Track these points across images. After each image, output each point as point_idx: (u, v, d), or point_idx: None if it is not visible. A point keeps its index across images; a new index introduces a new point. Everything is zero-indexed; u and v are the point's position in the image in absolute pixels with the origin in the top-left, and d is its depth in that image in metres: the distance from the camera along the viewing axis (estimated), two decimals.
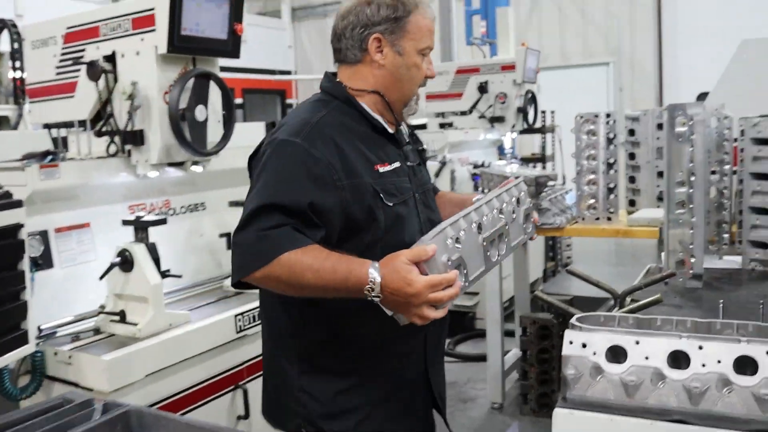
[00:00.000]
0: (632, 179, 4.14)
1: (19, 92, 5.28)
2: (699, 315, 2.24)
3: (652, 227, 3.65)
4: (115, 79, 2.99)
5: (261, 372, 2.18)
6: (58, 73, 3.26)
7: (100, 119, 3.03)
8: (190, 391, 2.89)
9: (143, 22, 2.92)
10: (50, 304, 2.84)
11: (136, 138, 2.96)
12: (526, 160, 7.25)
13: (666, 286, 2.57)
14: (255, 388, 3.04)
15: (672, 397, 1.52)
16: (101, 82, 2.95)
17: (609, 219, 3.94)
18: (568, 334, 1.65)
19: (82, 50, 3.14)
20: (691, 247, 2.59)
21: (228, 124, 3.19)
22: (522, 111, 6.58)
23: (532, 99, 6.74)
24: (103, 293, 2.91)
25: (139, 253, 2.80)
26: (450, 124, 6.73)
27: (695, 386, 1.49)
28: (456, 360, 5.50)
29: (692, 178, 2.57)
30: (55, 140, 3.17)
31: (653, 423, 1.52)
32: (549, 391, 4.36)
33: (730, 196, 3.05)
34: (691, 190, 2.57)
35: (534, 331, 4.23)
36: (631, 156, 4.11)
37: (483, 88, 6.60)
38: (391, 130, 2.02)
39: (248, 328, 3.14)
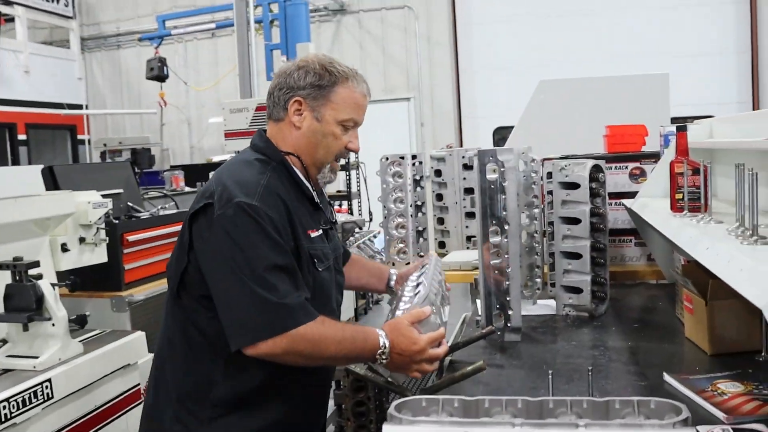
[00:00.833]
0: (441, 221, 4.02)
1: None
2: (523, 376, 2.10)
3: (465, 271, 3.53)
4: None
5: None
6: None
7: None
8: None
9: None
10: None
11: None
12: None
13: (484, 340, 2.40)
14: None
15: None
16: None
17: None
18: (387, 429, 1.40)
19: None
20: (508, 299, 2.44)
21: None
22: None
23: None
24: None
25: None
26: None
27: None
28: None
29: (506, 227, 2.43)
30: None
31: None
32: None
33: (540, 239, 2.98)
34: (505, 240, 2.44)
35: (348, 384, 3.94)
36: (439, 197, 4.00)
37: None
38: (317, 199, 2.08)
39: (16, 416, 2.64)
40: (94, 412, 3.10)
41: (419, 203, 3.77)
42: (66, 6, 11.70)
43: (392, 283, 2.46)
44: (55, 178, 4.00)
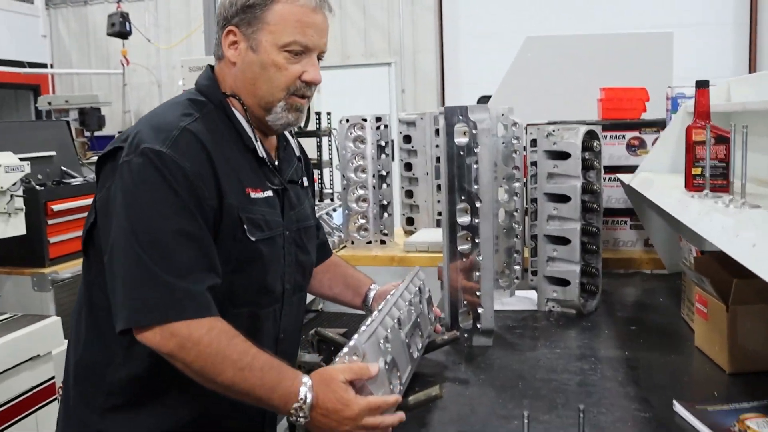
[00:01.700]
0: (409, 194, 3.53)
1: None
2: (493, 398, 1.64)
3: (433, 252, 3.04)
4: None
5: None
6: None
7: None
8: None
9: None
10: None
11: None
12: None
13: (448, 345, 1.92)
14: None
15: None
16: None
17: (383, 243, 3.30)
18: None
19: None
20: (478, 294, 1.96)
21: None
22: None
23: None
24: None
25: None
26: None
27: None
28: None
29: (478, 204, 1.94)
30: None
31: None
32: None
33: (521, 219, 2.50)
34: (477, 221, 1.95)
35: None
36: (408, 166, 3.50)
37: None
38: (261, 152, 1.64)
39: None
40: None
41: (383, 173, 3.29)
42: None
43: (370, 300, 1.95)
44: None
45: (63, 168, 4.16)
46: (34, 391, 2.84)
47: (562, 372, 1.78)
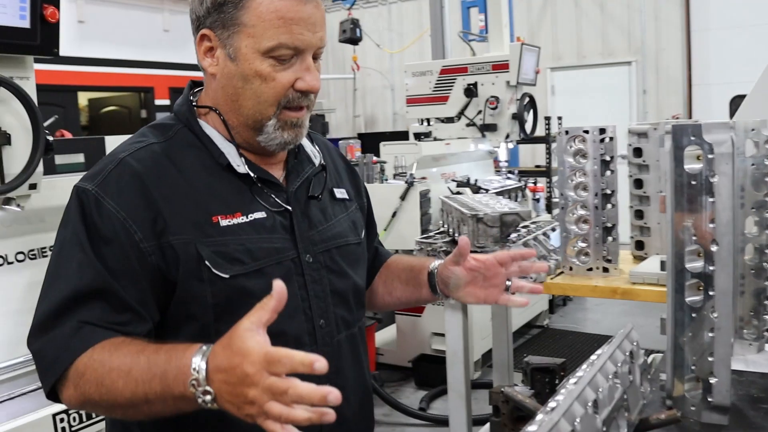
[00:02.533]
0: (639, 214, 3.10)
1: None
2: None
3: (662, 286, 2.61)
4: None
5: None
6: None
7: None
8: None
9: None
10: None
11: None
12: (526, 174, 6.23)
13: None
14: None
15: None
16: None
17: (605, 270, 2.91)
18: None
19: None
20: (710, 360, 1.57)
21: (35, 148, 2.25)
22: (518, 118, 5.55)
23: (530, 104, 5.70)
24: None
25: None
26: (427, 134, 5.73)
27: None
28: (426, 423, 4.49)
29: (714, 248, 1.55)
30: None
31: None
32: None
33: None
34: (711, 268, 1.56)
35: (507, 411, 3.20)
36: (638, 183, 3.08)
37: (471, 91, 5.58)
38: (241, 168, 1.37)
39: (78, 429, 2.28)
40: None
41: (608, 191, 2.90)
42: None
43: (437, 285, 1.62)
44: None
45: None
46: None
47: None
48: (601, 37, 9.84)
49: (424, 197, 4.59)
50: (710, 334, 1.56)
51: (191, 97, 1.45)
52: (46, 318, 1.24)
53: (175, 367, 1.10)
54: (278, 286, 1.05)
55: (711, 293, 1.55)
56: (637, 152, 3.07)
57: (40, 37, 2.21)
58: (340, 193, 1.58)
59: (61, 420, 2.25)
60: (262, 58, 1.32)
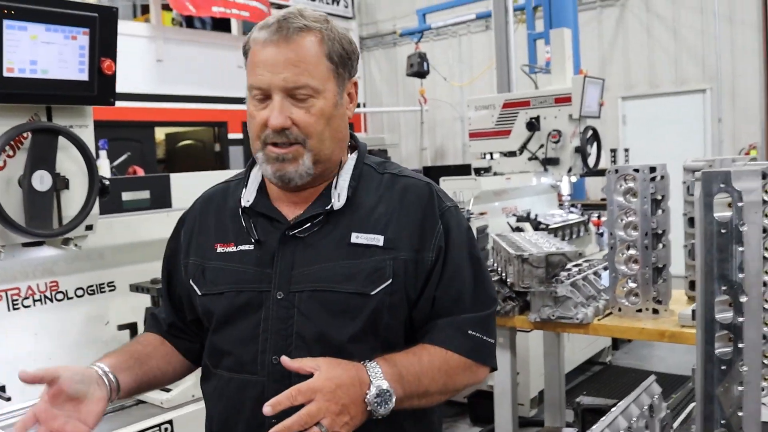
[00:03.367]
0: (694, 253, 3.02)
1: None
2: None
3: None
4: None
5: None
6: None
7: None
8: None
9: None
10: None
11: None
12: (590, 207, 6.12)
13: None
14: None
15: None
16: None
17: (655, 312, 2.84)
18: None
19: None
20: (740, 415, 1.52)
21: (90, 192, 2.36)
22: (580, 151, 5.48)
23: (593, 137, 5.62)
24: None
25: None
26: (487, 169, 5.71)
27: None
28: None
29: (743, 299, 1.50)
30: None
31: None
32: None
33: None
34: (740, 320, 1.51)
35: None
36: (692, 222, 2.99)
37: (533, 125, 5.54)
38: (247, 201, 1.55)
39: None
40: None
41: (659, 231, 2.83)
42: (346, 7, 11.94)
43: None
44: None
45: None
46: None
47: None
48: (674, 64, 9.62)
49: (482, 233, 4.55)
50: (740, 388, 1.51)
51: None
52: None
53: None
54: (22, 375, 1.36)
55: (740, 346, 1.50)
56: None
57: (97, 88, 2.33)
58: (365, 238, 1.48)
59: None
60: (250, 100, 1.48)
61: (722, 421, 1.56)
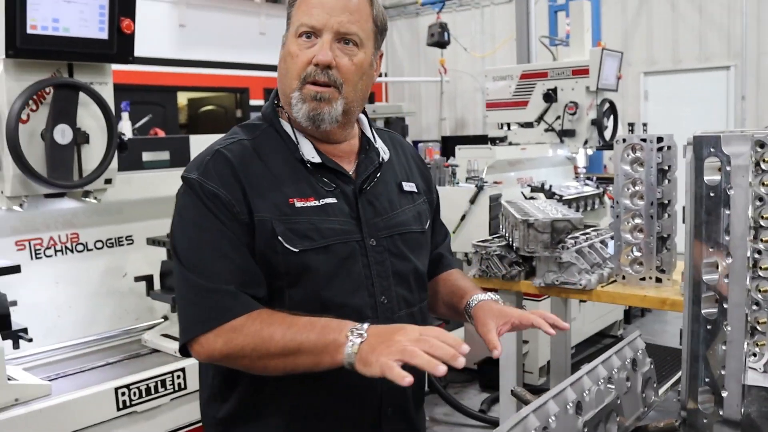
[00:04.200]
0: None
1: None
2: None
3: None
4: None
5: None
6: None
7: None
8: None
9: None
10: None
11: None
12: (606, 180, 6.13)
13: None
14: None
15: None
16: None
17: (659, 281, 2.89)
18: None
19: None
20: (722, 373, 1.58)
21: (109, 146, 2.44)
22: (597, 124, 5.49)
23: (610, 110, 5.62)
24: None
25: None
26: (502, 139, 5.74)
27: None
28: (484, 426, 4.52)
29: (728, 261, 1.56)
30: None
31: None
32: None
33: None
34: (725, 280, 1.56)
35: None
36: None
37: (550, 96, 5.55)
38: (313, 158, 1.56)
39: (137, 404, 2.49)
40: None
41: (664, 201, 2.87)
42: None
43: (471, 313, 1.70)
44: None
45: None
46: None
47: None
48: (698, 40, 9.52)
49: (495, 201, 4.61)
50: (723, 347, 1.57)
51: (276, 101, 1.64)
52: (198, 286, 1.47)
53: (337, 323, 1.37)
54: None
55: (725, 306, 1.56)
56: None
57: (116, 47, 2.40)
58: (409, 186, 1.73)
59: (123, 393, 2.43)
60: (294, 40, 1.53)
61: (706, 380, 1.62)
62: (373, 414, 1.60)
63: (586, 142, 5.57)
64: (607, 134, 5.66)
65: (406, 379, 1.20)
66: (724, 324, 1.56)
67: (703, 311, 1.61)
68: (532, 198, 5.00)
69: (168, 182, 2.99)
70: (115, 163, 2.57)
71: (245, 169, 1.52)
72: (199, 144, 3.49)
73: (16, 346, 2.35)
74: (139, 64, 7.48)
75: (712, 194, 1.58)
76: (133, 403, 2.45)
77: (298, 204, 1.52)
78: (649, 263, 2.89)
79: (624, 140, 2.90)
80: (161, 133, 6.39)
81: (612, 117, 5.69)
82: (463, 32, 11.22)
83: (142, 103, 8.20)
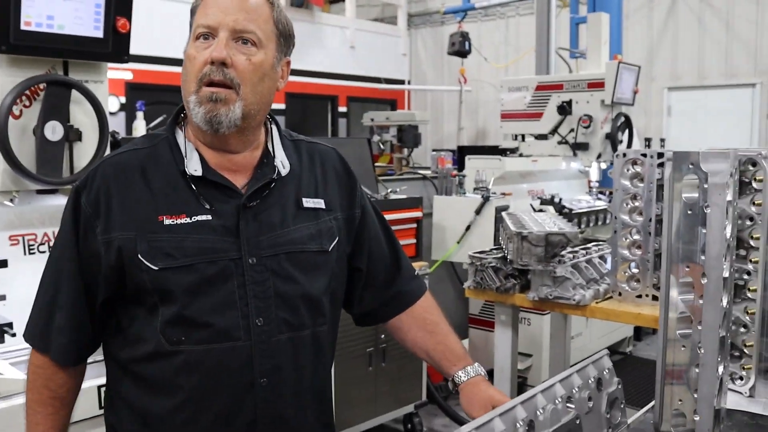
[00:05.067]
0: None
1: None
2: None
3: None
4: None
5: None
6: None
7: None
8: None
9: None
10: None
11: None
12: None
13: None
14: None
15: None
16: None
17: (655, 299, 2.83)
18: None
19: None
20: (694, 396, 1.53)
21: (100, 144, 2.45)
22: (611, 138, 5.42)
23: (625, 124, 5.55)
24: None
25: None
26: (513, 150, 5.69)
27: None
28: None
29: (703, 281, 1.51)
30: None
31: None
32: None
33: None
34: (699, 301, 1.52)
35: None
36: None
37: (564, 109, 5.50)
38: (195, 171, 1.50)
39: None
40: None
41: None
42: None
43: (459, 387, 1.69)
44: None
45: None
46: None
47: None
48: (724, 56, 9.40)
49: (500, 213, 4.56)
50: (696, 370, 1.52)
51: (183, 110, 1.58)
52: (45, 287, 1.58)
53: None
54: None
55: (699, 328, 1.51)
56: None
57: (111, 46, 2.41)
58: (312, 202, 1.62)
59: (105, 392, 2.41)
60: (193, 43, 1.50)
61: (679, 401, 1.58)
62: None
63: (599, 156, 5.51)
64: (622, 149, 5.58)
65: None
66: (698, 346, 1.52)
67: (677, 332, 1.57)
68: (540, 210, 4.95)
69: None
70: None
71: (121, 183, 1.50)
72: None
73: (1, 340, 2.36)
74: (161, 65, 7.64)
75: (689, 212, 1.54)
76: None
77: (167, 221, 1.47)
78: (646, 281, 2.84)
79: (624, 155, 2.85)
80: None
81: (627, 131, 5.62)
82: (488, 42, 11.19)
83: (164, 103, 8.26)
